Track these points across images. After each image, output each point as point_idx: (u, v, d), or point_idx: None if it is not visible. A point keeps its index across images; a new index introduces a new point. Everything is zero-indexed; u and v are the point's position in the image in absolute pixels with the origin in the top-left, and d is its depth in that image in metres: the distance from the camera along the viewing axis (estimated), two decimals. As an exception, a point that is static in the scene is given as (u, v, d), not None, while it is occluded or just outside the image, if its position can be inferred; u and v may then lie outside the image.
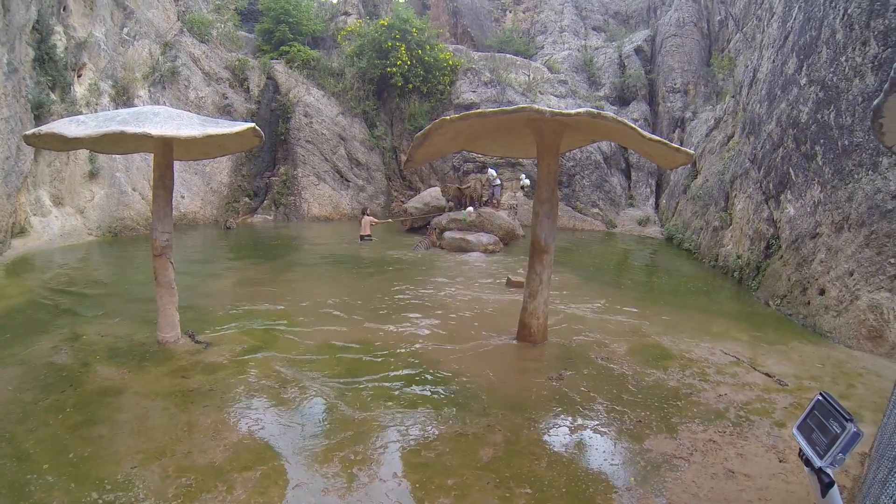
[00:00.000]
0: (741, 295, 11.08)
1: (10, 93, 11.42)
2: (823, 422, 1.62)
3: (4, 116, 11.24)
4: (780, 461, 4.73)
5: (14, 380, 5.77)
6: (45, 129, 5.85)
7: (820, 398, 1.68)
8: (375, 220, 16.80)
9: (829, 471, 1.58)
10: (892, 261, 7.50)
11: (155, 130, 5.64)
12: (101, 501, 3.86)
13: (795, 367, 6.99)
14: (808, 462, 1.64)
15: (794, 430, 1.73)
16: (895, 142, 3.44)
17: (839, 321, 8.15)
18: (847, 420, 1.56)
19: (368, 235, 15.81)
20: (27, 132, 6.04)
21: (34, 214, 12.81)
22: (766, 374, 6.69)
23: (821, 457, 1.58)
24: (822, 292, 8.70)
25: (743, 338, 8.18)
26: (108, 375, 5.94)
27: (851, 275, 8.08)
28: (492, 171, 19.30)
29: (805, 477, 4.46)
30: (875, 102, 2.94)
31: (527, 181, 19.79)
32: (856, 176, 8.33)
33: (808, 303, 8.95)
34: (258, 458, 4.45)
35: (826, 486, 1.60)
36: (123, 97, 16.14)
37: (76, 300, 8.84)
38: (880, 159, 7.91)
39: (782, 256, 10.17)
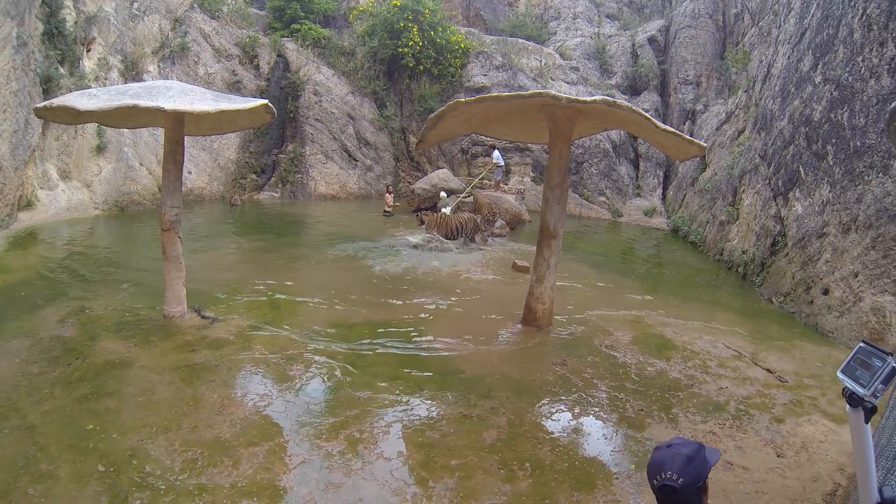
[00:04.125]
0: (745, 290, 11.09)
1: (19, 66, 11.37)
2: (866, 361, 1.79)
3: (13, 90, 11.20)
4: (778, 456, 4.78)
5: (21, 352, 5.83)
6: (56, 101, 5.85)
7: (862, 344, 1.85)
8: (391, 199, 18.02)
9: (871, 400, 1.76)
10: (898, 263, 7.50)
11: (168, 104, 5.65)
12: (107, 474, 3.92)
13: (796, 365, 7.03)
14: (851, 398, 1.81)
15: (839, 374, 1.88)
16: (910, 144, 3.43)
17: (841, 322, 8.17)
18: (887, 355, 1.74)
19: (389, 211, 17.36)
20: (38, 105, 6.04)
21: (41, 188, 12.82)
22: (768, 370, 6.74)
23: (864, 388, 1.76)
24: (825, 292, 8.71)
25: (745, 333, 8.21)
26: (114, 349, 6.00)
27: (856, 276, 8.08)
28: (497, 153, 19.26)
29: (801, 472, 4.52)
30: (892, 105, 2.92)
31: (499, 159, 19.57)
32: (866, 178, 8.29)
33: (812, 302, 8.96)
34: (264, 434, 4.52)
35: (869, 412, 1.78)
36: (132, 72, 16.04)
37: (82, 274, 8.89)
38: (891, 162, 7.86)
39: (788, 254, 10.16)
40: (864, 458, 1.85)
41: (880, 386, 1.72)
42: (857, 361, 1.82)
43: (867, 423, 1.80)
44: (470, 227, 13.58)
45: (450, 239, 13.32)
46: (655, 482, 1.82)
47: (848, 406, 1.83)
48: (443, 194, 16.81)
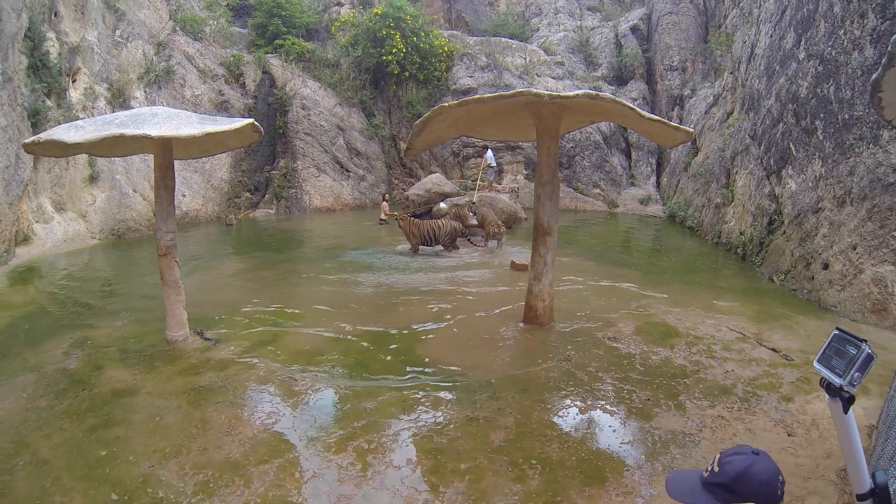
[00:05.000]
0: (745, 271, 11.10)
1: (5, 102, 11.41)
2: (841, 349, 1.77)
3: (2, 126, 11.24)
4: (789, 435, 4.78)
5: (28, 387, 5.83)
6: (44, 136, 5.86)
7: (837, 332, 1.82)
8: (388, 207, 17.91)
9: (848, 389, 1.72)
10: (895, 234, 7.51)
11: (154, 131, 5.66)
12: (120, 502, 3.93)
13: (801, 342, 7.03)
14: (829, 387, 1.78)
15: (815, 363, 1.84)
16: (895, 115, 3.44)
17: (843, 295, 8.17)
18: (861, 342, 1.72)
19: (385, 219, 17.30)
20: (26, 140, 6.06)
21: (37, 221, 12.84)
22: (773, 350, 6.73)
23: (840, 377, 1.72)
24: (825, 267, 8.71)
25: (748, 314, 8.20)
26: (120, 377, 6.00)
27: (855, 249, 8.09)
28: (489, 154, 19.34)
29: (813, 450, 4.52)
30: (874, 76, 2.93)
31: (492, 160, 19.58)
32: (857, 150, 8.30)
33: (812, 277, 8.96)
34: (273, 451, 4.52)
35: (847, 401, 1.75)
36: (119, 99, 16.08)
37: (83, 304, 8.90)
38: (881, 132, 7.87)
39: (785, 232, 10.16)
40: (851, 446, 1.83)
41: (856, 374, 1.69)
42: (832, 350, 1.80)
43: (846, 413, 1.78)
44: (444, 232, 12.86)
45: (426, 245, 12.97)
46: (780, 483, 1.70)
47: (827, 396, 1.80)
48: (442, 205, 16.70)
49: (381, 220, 17.51)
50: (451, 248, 13.01)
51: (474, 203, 15.24)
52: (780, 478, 1.69)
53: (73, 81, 14.73)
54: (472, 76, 22.67)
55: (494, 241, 13.56)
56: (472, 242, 13.61)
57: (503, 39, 24.68)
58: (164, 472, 4.24)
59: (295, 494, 3.97)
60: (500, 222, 14.01)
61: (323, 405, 5.38)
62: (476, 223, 14.48)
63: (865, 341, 1.72)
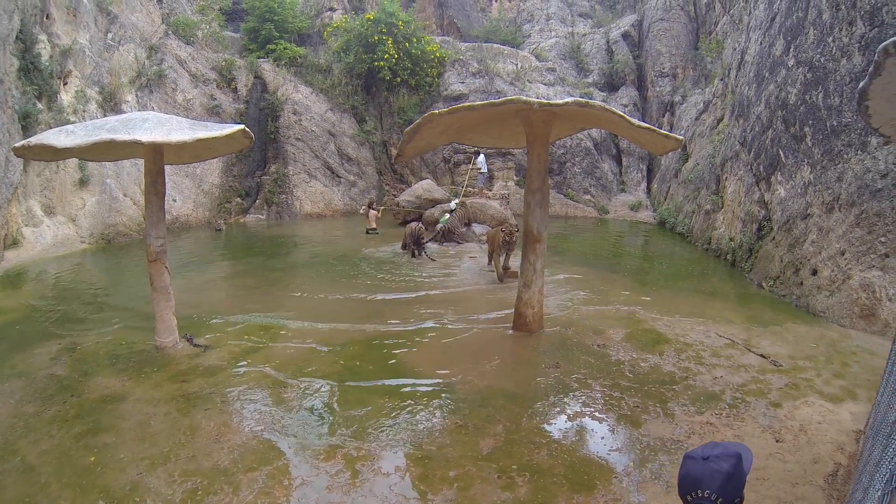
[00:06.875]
0: (734, 277, 11.16)
1: (-4, 104, 11.34)
2: None
3: (-8, 128, 11.17)
4: (777, 441, 4.81)
5: (15, 393, 5.77)
6: (34, 140, 5.83)
7: None
8: (378, 214, 17.23)
9: None
10: (883, 239, 7.58)
11: (145, 137, 5.64)
12: (107, 509, 3.90)
13: (790, 348, 7.07)
14: None
15: None
16: (882, 123, 3.48)
17: (832, 301, 8.23)
18: None
19: (374, 228, 16.59)
20: (16, 144, 6.02)
21: (26, 225, 12.74)
22: (761, 356, 6.77)
23: None
24: (814, 272, 8.78)
25: (737, 320, 8.25)
26: (108, 383, 5.96)
27: (843, 254, 8.16)
28: (481, 157, 19.39)
29: (801, 455, 4.54)
30: (861, 85, 2.97)
31: (483, 165, 19.69)
32: (845, 156, 8.38)
33: (801, 283, 9.03)
34: (262, 459, 4.50)
35: None
36: (111, 103, 16.01)
37: (72, 309, 8.83)
38: (869, 139, 7.96)
39: (774, 238, 10.24)
40: None
41: None
42: None
43: None
44: (406, 234, 13.07)
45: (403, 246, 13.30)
46: (690, 498, 1.71)
47: None
48: (445, 216, 16.08)
49: (369, 229, 16.52)
50: (416, 250, 12.87)
51: (465, 205, 15.23)
52: None
53: (65, 84, 14.65)
54: (463, 82, 22.74)
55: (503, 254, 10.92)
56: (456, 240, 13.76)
57: (495, 45, 24.76)
58: (153, 480, 4.21)
59: (283, 502, 3.95)
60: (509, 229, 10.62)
61: (312, 412, 5.36)
62: (466, 224, 14.63)
63: None
